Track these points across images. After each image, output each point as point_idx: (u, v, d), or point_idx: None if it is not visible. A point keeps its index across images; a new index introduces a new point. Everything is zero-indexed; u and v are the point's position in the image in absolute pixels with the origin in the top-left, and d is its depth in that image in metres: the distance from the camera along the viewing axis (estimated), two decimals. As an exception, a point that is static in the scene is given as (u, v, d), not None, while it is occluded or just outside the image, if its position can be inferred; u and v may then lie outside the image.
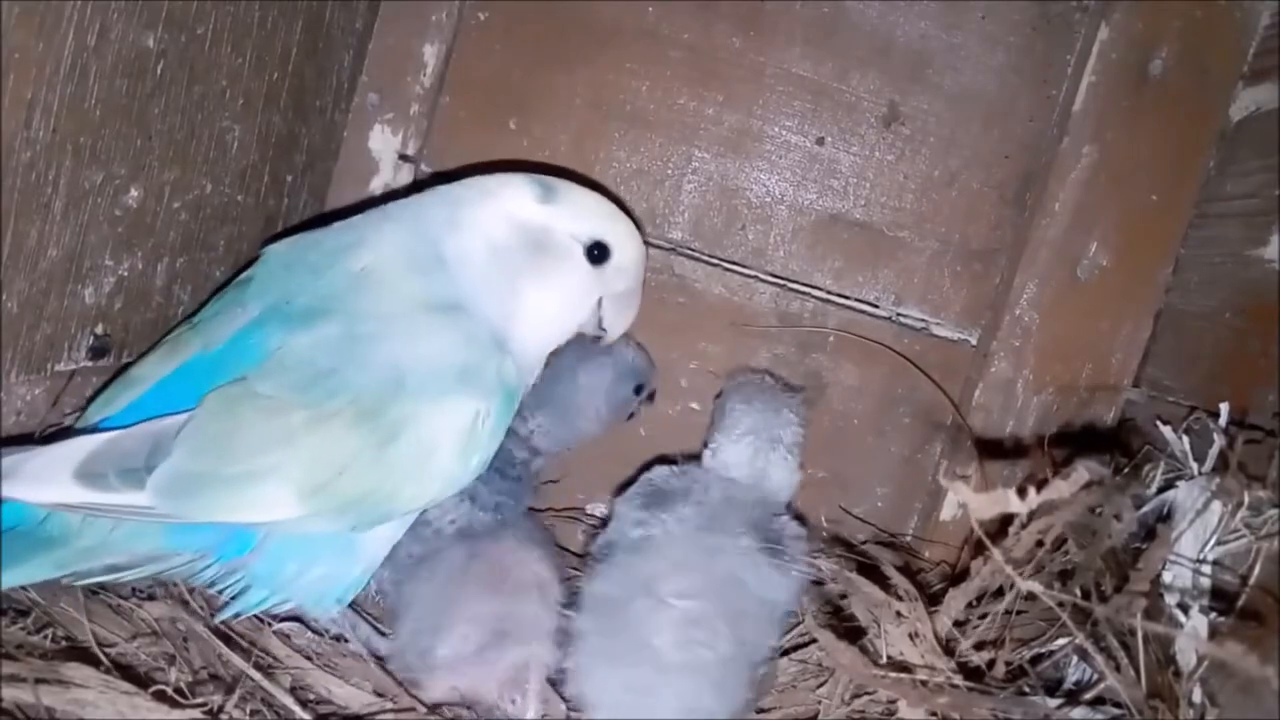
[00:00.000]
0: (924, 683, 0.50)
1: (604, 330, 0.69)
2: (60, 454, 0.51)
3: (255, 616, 0.60)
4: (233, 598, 0.58)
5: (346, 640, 0.64)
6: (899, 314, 0.87)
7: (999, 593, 0.56)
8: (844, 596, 0.63)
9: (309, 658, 0.61)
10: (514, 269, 0.62)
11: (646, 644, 0.59)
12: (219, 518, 0.53)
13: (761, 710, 0.63)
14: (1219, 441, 0.59)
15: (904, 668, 0.53)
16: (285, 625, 0.63)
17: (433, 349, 0.58)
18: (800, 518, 0.75)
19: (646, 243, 0.70)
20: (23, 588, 0.53)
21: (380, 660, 0.64)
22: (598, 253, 0.64)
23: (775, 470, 0.72)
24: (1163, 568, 0.53)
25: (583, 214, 0.65)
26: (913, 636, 0.54)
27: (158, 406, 0.56)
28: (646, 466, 0.75)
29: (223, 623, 0.58)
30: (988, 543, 0.49)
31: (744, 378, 0.80)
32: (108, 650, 0.51)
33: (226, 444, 0.53)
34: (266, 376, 0.55)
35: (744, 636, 0.60)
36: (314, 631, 0.64)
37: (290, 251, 0.64)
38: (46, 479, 0.50)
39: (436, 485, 0.58)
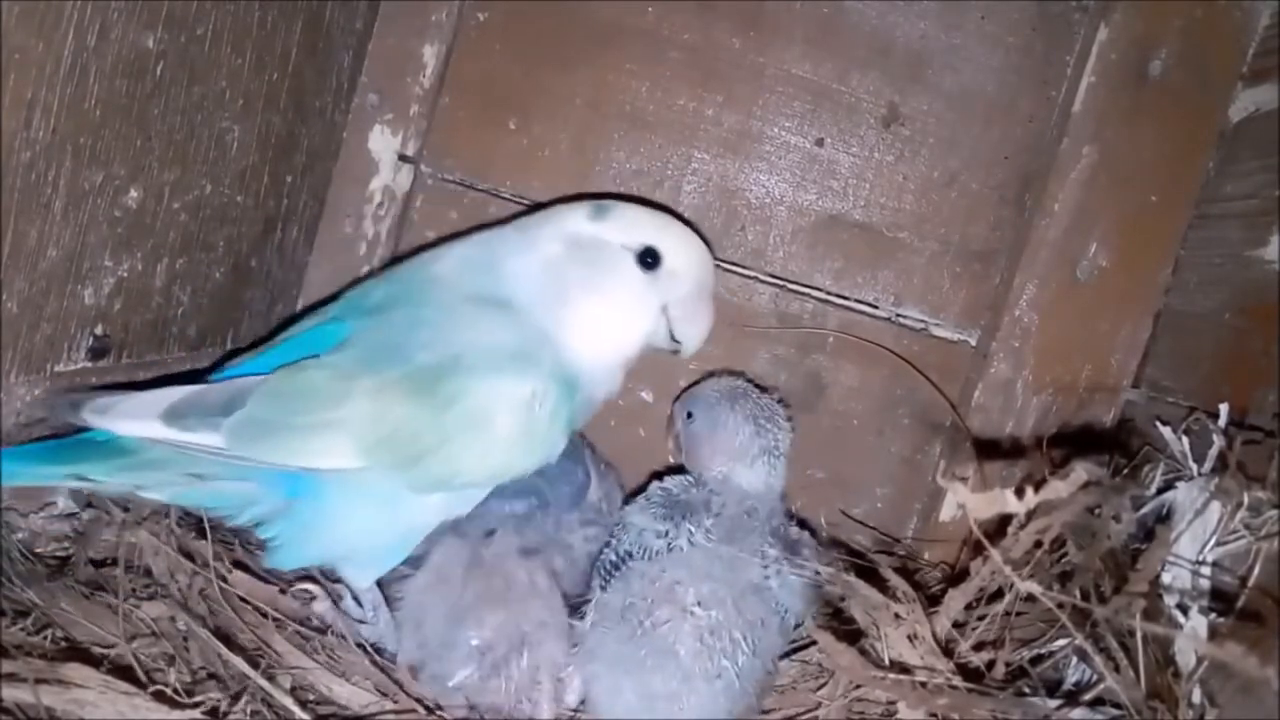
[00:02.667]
0: (923, 684, 0.50)
1: (677, 343, 0.71)
2: (150, 398, 0.58)
3: (260, 612, 0.61)
4: (276, 547, 0.62)
5: (365, 622, 0.66)
6: (898, 314, 0.87)
7: (999, 594, 0.56)
8: (844, 599, 0.63)
9: (309, 654, 0.60)
10: (564, 280, 0.66)
11: (668, 652, 0.59)
12: (283, 460, 0.59)
13: (762, 711, 0.63)
14: (1218, 442, 0.59)
15: (903, 669, 0.53)
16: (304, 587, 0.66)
17: (487, 333, 0.63)
18: (802, 522, 0.75)
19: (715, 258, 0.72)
20: (24, 587, 0.54)
21: (382, 655, 0.64)
22: (650, 260, 0.67)
23: (777, 480, 0.73)
24: (1162, 568, 0.53)
25: (633, 224, 0.68)
26: (911, 638, 0.54)
27: None
28: (655, 474, 0.75)
29: (221, 625, 0.59)
30: (986, 544, 0.49)
31: (723, 387, 0.77)
32: (107, 651, 0.51)
33: (296, 399, 0.59)
34: (336, 352, 0.62)
35: (759, 646, 0.61)
36: (317, 630, 0.64)
37: (377, 274, 0.74)
38: (136, 416, 0.57)
39: (496, 459, 0.62)
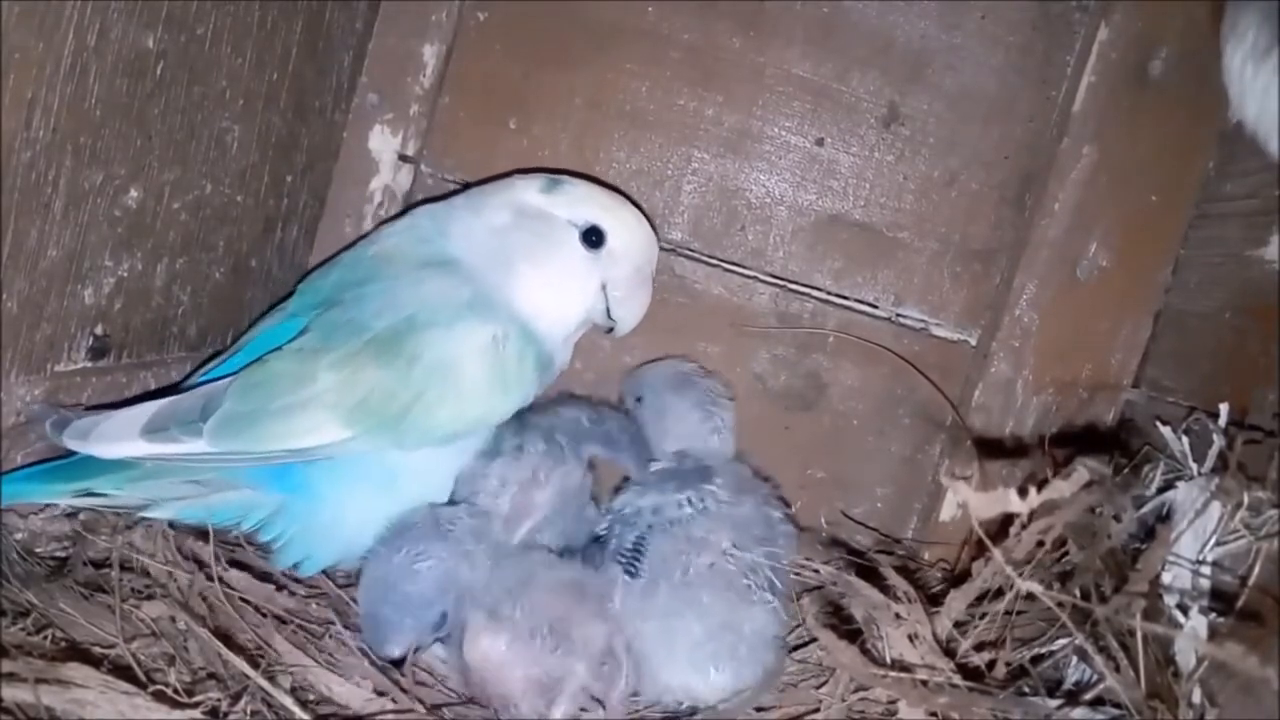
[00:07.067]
0: (924, 683, 0.50)
1: (613, 321, 0.72)
2: (129, 416, 0.59)
3: (261, 611, 0.61)
4: (282, 547, 0.63)
5: None
6: (898, 314, 0.87)
7: (999, 593, 0.56)
8: (844, 596, 0.63)
9: (309, 652, 0.60)
10: (509, 247, 0.68)
11: (724, 586, 0.63)
12: (270, 447, 0.59)
13: (761, 709, 0.63)
14: (1219, 442, 0.59)
15: (904, 667, 0.53)
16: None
17: (438, 289, 0.65)
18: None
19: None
20: (24, 588, 0.54)
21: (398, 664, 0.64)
22: (595, 238, 0.69)
23: (728, 447, 0.77)
24: (1162, 568, 0.53)
25: (581, 201, 0.70)
26: (912, 638, 0.54)
27: None
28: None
29: (221, 625, 0.59)
30: (988, 543, 0.49)
31: (668, 375, 0.79)
32: (107, 651, 0.51)
33: (268, 387, 0.60)
34: (296, 339, 0.63)
35: (781, 589, 0.66)
36: (315, 625, 0.64)
37: (324, 264, 0.73)
38: (118, 437, 0.58)
39: (474, 405, 0.64)
